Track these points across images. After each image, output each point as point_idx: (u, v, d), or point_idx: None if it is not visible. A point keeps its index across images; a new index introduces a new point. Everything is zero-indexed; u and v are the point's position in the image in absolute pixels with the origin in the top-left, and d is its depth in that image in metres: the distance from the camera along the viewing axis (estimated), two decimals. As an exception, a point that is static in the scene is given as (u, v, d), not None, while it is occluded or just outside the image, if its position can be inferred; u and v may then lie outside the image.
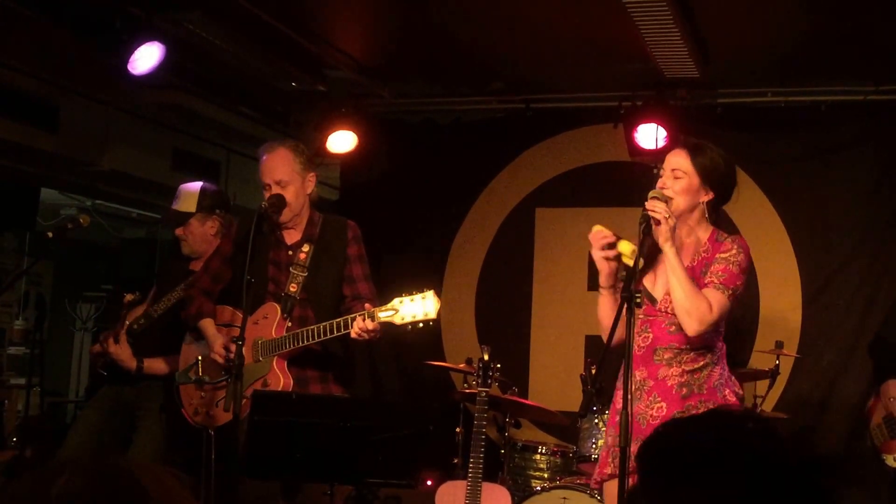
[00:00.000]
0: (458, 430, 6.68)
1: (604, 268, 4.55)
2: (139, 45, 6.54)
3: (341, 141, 8.33)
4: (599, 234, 4.53)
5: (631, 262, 4.39)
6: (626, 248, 4.48)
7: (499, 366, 6.16)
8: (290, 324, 5.48)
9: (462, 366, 6.93)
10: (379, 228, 7.24)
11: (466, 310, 8.71)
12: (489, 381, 6.09)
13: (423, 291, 5.12)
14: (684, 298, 4.38)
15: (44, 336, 7.63)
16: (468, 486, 5.90)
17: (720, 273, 4.44)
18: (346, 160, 8.70)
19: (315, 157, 8.50)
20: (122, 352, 5.79)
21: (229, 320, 5.66)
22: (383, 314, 5.13)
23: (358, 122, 8.30)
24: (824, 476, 1.59)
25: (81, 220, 6.07)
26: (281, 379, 5.46)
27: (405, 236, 8.53)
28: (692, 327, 4.39)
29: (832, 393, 7.68)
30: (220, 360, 5.47)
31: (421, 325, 5.12)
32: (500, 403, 6.50)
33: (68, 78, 7.95)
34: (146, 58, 6.59)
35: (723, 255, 4.49)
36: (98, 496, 1.60)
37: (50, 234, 6.04)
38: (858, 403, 7.32)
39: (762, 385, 7.00)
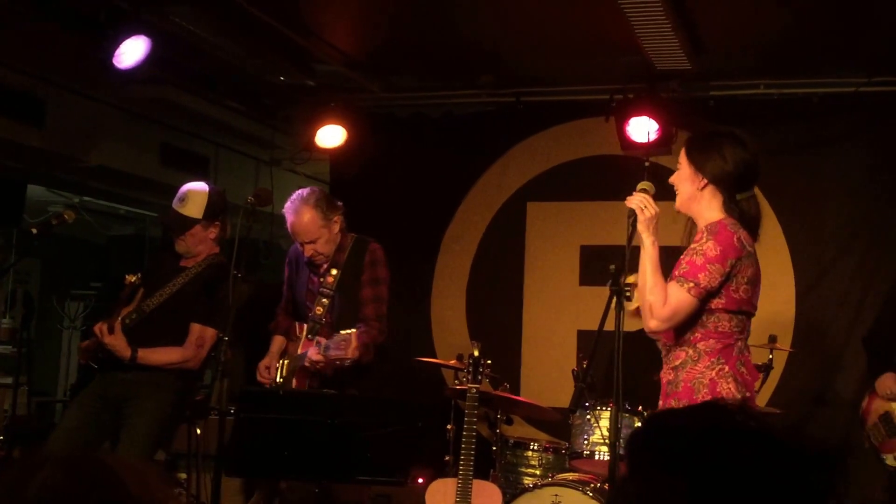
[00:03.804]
0: (449, 427, 6.63)
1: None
2: (125, 39, 6.47)
3: (331, 135, 8.30)
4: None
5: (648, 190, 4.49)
6: (646, 185, 4.53)
7: (489, 362, 6.13)
8: (318, 343, 6.05)
9: (453, 362, 6.90)
10: (369, 223, 7.17)
11: (457, 305, 8.67)
12: (480, 378, 6.06)
13: (349, 331, 5.72)
14: (647, 293, 4.37)
15: (31, 334, 7.58)
16: (459, 483, 5.86)
17: (683, 265, 4.36)
18: (336, 155, 8.66)
19: (305, 150, 8.55)
20: (117, 341, 5.72)
21: (295, 335, 6.38)
22: (325, 348, 5.77)
23: (347, 116, 8.26)
24: (817, 470, 1.55)
25: (66, 216, 6.02)
26: None
27: (395, 231, 8.45)
28: (646, 324, 4.41)
29: (826, 387, 7.66)
30: (259, 378, 6.26)
31: (347, 362, 5.72)
32: (492, 400, 6.47)
33: (55, 72, 7.89)
34: (132, 52, 6.52)
35: (693, 246, 4.39)
36: (77, 492, 1.58)
37: (34, 231, 5.98)
38: (853, 398, 7.27)
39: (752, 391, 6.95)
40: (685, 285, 4.29)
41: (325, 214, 6.16)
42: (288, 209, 6.19)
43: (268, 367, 6.25)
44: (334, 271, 6.22)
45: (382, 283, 6.28)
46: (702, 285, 4.29)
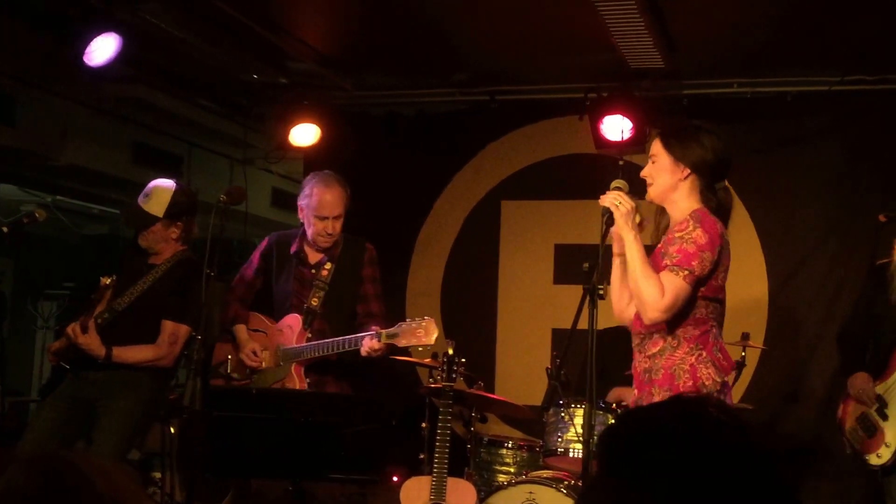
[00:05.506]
0: (423, 425, 6.62)
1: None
2: (96, 37, 6.42)
3: (304, 134, 8.27)
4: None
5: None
6: (619, 183, 4.53)
7: (463, 360, 6.12)
8: (310, 335, 6.14)
9: (427, 361, 6.87)
10: (344, 222, 7.17)
11: (432, 304, 8.63)
12: (454, 376, 6.05)
13: (423, 318, 5.77)
14: (636, 286, 4.37)
15: (4, 335, 7.52)
16: (433, 481, 5.84)
17: (674, 254, 4.34)
18: (309, 153, 8.62)
19: (278, 149, 8.54)
20: (91, 340, 5.68)
21: (258, 326, 6.34)
22: (389, 336, 5.78)
23: (320, 114, 8.23)
24: (788, 465, 1.54)
25: (37, 215, 6.00)
26: (297, 383, 6.07)
27: (369, 230, 8.44)
28: (646, 315, 4.38)
29: (799, 385, 7.67)
30: (248, 362, 6.14)
31: (420, 349, 5.83)
32: (466, 398, 6.45)
33: (25, 71, 7.83)
34: (103, 49, 6.47)
35: (678, 234, 4.39)
36: (43, 492, 1.56)
37: (6, 230, 5.95)
38: (826, 395, 7.30)
39: (728, 377, 6.96)
40: (680, 273, 4.30)
41: (349, 194, 6.26)
42: (317, 183, 6.19)
43: (254, 352, 6.17)
44: (328, 265, 6.23)
45: (380, 281, 6.39)
46: (696, 273, 4.31)
